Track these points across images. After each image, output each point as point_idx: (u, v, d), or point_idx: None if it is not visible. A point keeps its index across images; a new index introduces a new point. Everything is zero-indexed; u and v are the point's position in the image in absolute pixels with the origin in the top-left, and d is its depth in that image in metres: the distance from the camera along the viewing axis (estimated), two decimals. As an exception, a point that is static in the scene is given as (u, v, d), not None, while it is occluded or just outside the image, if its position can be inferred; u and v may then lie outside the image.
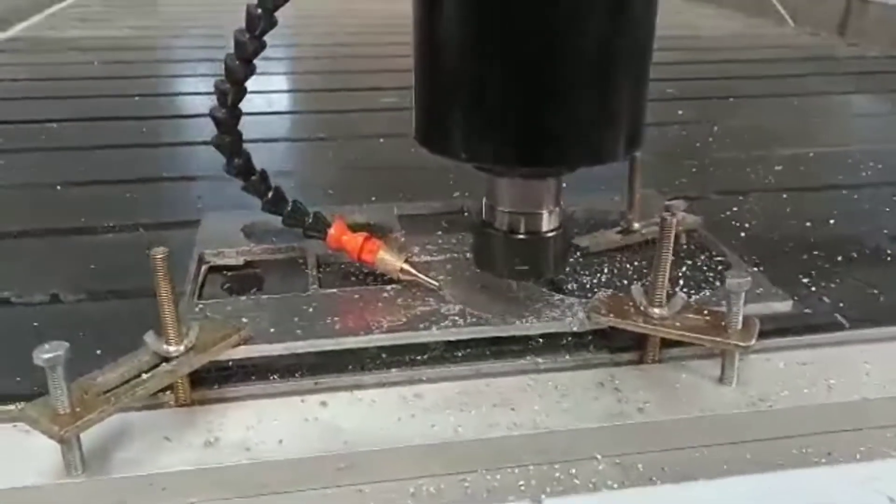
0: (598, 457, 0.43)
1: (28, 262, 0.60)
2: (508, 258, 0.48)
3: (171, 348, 0.42)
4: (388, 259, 0.52)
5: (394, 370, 0.47)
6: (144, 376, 0.41)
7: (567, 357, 0.48)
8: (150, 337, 0.42)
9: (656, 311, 0.47)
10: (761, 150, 0.89)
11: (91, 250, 0.62)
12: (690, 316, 0.47)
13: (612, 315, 0.48)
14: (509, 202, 0.47)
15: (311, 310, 0.49)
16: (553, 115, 0.41)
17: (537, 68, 0.40)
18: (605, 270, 0.56)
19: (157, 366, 0.42)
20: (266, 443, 0.41)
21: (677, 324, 0.46)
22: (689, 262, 0.58)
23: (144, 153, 0.86)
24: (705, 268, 0.57)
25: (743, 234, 0.65)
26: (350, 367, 0.46)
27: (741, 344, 0.45)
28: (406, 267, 0.51)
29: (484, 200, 0.48)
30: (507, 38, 0.40)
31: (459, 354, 0.48)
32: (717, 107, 1.09)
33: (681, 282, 0.55)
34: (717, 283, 0.55)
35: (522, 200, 0.46)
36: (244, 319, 0.47)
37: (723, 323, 0.46)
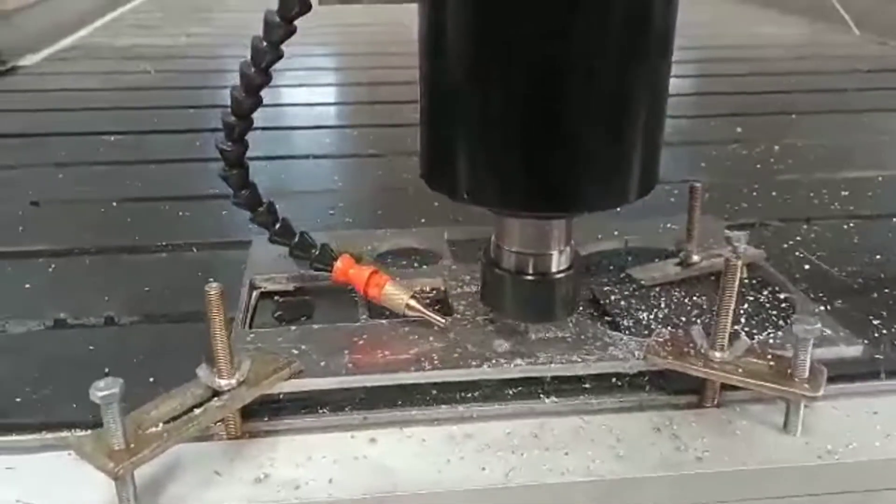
0: (655, 507, 0.42)
1: (84, 281, 0.61)
2: (516, 300, 0.47)
3: (224, 382, 0.42)
4: (394, 294, 0.50)
5: (443, 406, 0.46)
6: (196, 411, 0.41)
7: (622, 398, 0.47)
8: (202, 370, 0.42)
9: (717, 354, 0.45)
10: (825, 171, 0.86)
11: (145, 270, 0.62)
12: (753, 360, 0.45)
13: (670, 357, 0.46)
14: (517, 242, 0.45)
15: (360, 342, 0.48)
16: (560, 158, 0.40)
17: (544, 109, 0.39)
18: (663, 306, 0.55)
19: (209, 399, 0.42)
20: (316, 480, 0.41)
21: (739, 369, 0.45)
22: (751, 299, 0.56)
23: (197, 168, 0.86)
24: (768, 305, 0.55)
25: (807, 267, 0.62)
26: (399, 402, 0.46)
27: (808, 394, 0.43)
28: (412, 303, 0.50)
29: (492, 238, 0.47)
30: (511, 78, 0.39)
31: (510, 392, 0.47)
32: (778, 124, 1.06)
33: (742, 320, 0.53)
34: (781, 323, 0.53)
35: (530, 240, 0.45)
36: (295, 351, 0.47)
37: (788, 370, 0.44)
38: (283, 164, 0.89)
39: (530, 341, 0.48)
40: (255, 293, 0.56)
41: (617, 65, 0.39)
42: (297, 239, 0.54)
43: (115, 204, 0.76)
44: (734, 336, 0.45)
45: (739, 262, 0.44)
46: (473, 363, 0.46)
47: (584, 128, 0.40)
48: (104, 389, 0.37)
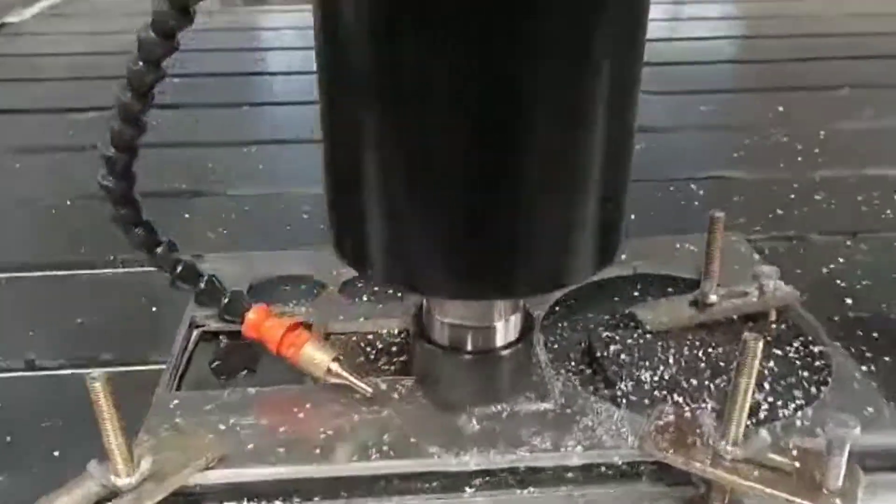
0: None
1: (9, 309, 0.54)
2: (451, 382, 0.39)
3: (121, 481, 0.35)
4: (314, 356, 0.42)
5: (395, 498, 0.38)
6: (82, 525, 0.34)
7: (613, 490, 0.39)
8: (93, 467, 0.35)
9: (729, 448, 0.37)
10: (878, 166, 0.75)
11: (82, 295, 0.55)
12: (774, 458, 0.37)
13: (671, 449, 0.38)
14: (450, 312, 0.38)
15: (302, 414, 0.41)
16: (485, 237, 0.32)
17: (461, 174, 0.31)
18: (671, 362, 0.46)
19: (108, 497, 0.35)
20: None
21: (755, 471, 0.36)
22: (778, 353, 0.46)
23: (175, 155, 0.78)
24: (798, 363, 0.46)
25: (850, 301, 0.53)
26: (344, 493, 0.38)
27: (840, 513, 0.34)
28: (334, 367, 0.41)
29: (423, 303, 0.39)
30: (424, 136, 0.31)
31: (477, 483, 0.39)
32: (826, 101, 0.93)
33: (765, 385, 0.44)
34: (812, 391, 0.43)
35: (467, 312, 0.37)
36: (222, 426, 0.40)
37: (817, 474, 0.36)
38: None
39: (504, 418, 0.40)
40: (194, 333, 0.48)
41: (565, 118, 0.31)
42: (202, 285, 0.45)
43: (69, 202, 0.68)
44: (751, 430, 0.37)
45: (759, 345, 0.35)
46: (432, 451, 0.38)
47: (516, 199, 0.32)
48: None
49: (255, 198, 0.69)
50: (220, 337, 0.49)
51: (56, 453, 0.41)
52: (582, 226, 0.33)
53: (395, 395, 0.42)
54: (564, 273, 0.34)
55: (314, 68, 0.34)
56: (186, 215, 0.65)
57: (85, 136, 0.84)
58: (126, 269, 0.58)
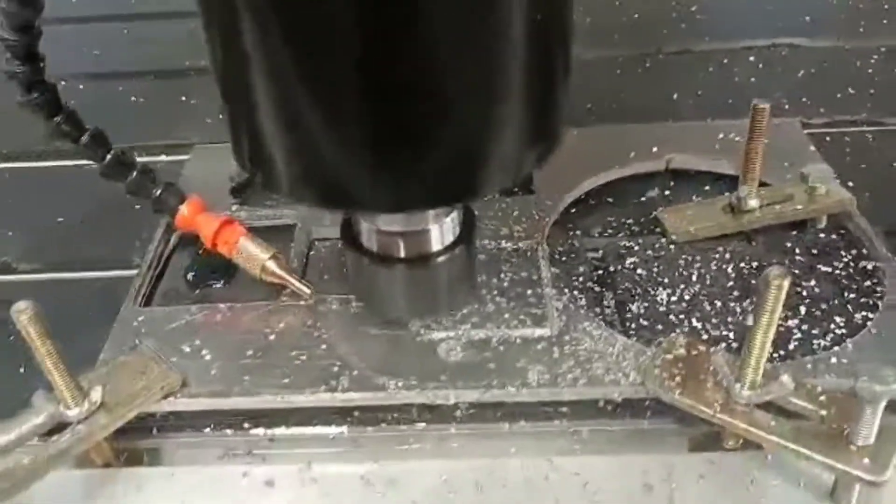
0: None
1: None
2: (387, 292, 0.36)
3: (71, 412, 0.33)
4: (250, 251, 0.39)
5: (368, 429, 0.35)
6: (26, 461, 0.32)
7: (609, 425, 0.35)
8: (39, 398, 0.33)
9: (745, 392, 0.32)
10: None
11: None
12: (797, 403, 0.32)
13: (677, 390, 0.33)
14: (380, 218, 0.33)
15: (272, 335, 0.37)
16: (395, 141, 0.27)
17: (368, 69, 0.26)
18: (695, 279, 0.40)
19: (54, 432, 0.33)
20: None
21: (773, 421, 0.31)
22: (822, 268, 0.40)
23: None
24: (844, 282, 0.40)
25: (920, 204, 0.46)
26: (314, 421, 0.35)
27: (866, 477, 0.30)
28: (270, 265, 0.39)
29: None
30: (314, 29, 0.26)
31: (458, 415, 0.35)
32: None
33: (801, 308, 0.38)
34: (857, 316, 0.37)
35: (398, 217, 0.33)
36: (185, 348, 0.37)
37: (845, 428, 0.31)
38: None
39: (494, 344, 0.36)
40: (173, 237, 0.45)
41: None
42: (134, 174, 0.40)
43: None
44: (772, 372, 0.32)
45: (786, 283, 0.29)
46: (413, 382, 0.35)
47: (422, 96, 0.27)
48: None
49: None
50: (200, 241, 0.45)
51: (21, 370, 0.39)
52: (501, 125, 0.28)
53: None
54: (486, 179, 0.29)
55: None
56: (183, 98, 0.60)
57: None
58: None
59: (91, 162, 0.40)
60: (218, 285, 0.42)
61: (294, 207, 0.45)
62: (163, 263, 0.43)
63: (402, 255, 0.34)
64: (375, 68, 0.26)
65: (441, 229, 0.34)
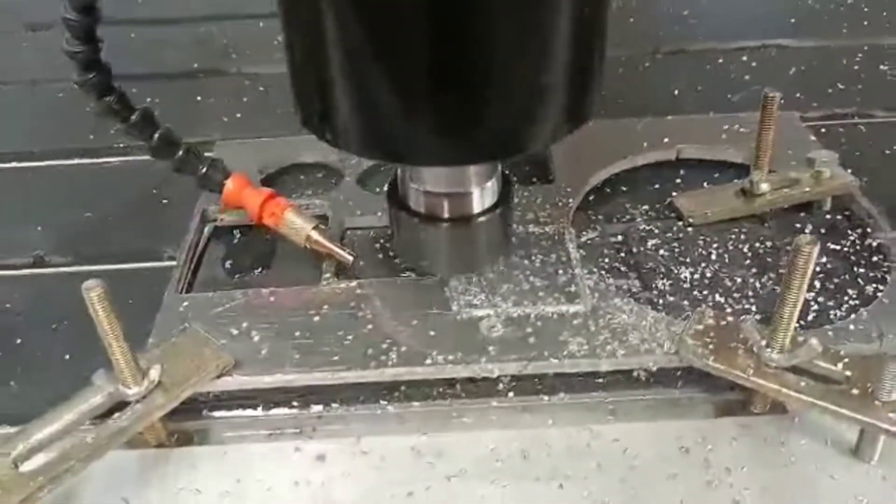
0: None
1: (20, 199, 0.52)
2: (429, 249, 0.38)
3: (130, 391, 0.34)
4: (295, 223, 0.41)
5: (415, 404, 0.37)
6: (90, 438, 0.32)
7: (644, 396, 0.37)
8: (100, 377, 0.34)
9: (775, 356, 0.34)
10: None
11: (90, 184, 0.53)
12: (823, 365, 0.34)
13: (712, 356, 0.35)
14: (427, 180, 0.36)
15: (317, 317, 0.38)
16: (451, 101, 0.30)
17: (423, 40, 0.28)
18: (714, 257, 0.42)
19: (113, 411, 0.34)
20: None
21: (802, 382, 0.34)
22: (831, 246, 0.43)
23: (175, 33, 0.73)
24: (853, 257, 0.42)
25: (916, 188, 0.48)
26: (361, 398, 0.37)
27: (891, 428, 0.32)
28: (314, 235, 0.41)
29: (398, 172, 0.37)
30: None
31: (500, 387, 0.37)
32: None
33: (816, 283, 0.40)
34: (869, 289, 0.40)
35: (443, 179, 0.35)
36: (233, 331, 0.38)
37: (869, 386, 0.33)
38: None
39: (531, 320, 0.38)
40: (206, 228, 0.46)
41: None
42: (180, 153, 0.42)
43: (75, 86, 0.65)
44: (800, 335, 0.34)
45: (814, 248, 0.31)
46: (453, 357, 0.36)
47: (481, 61, 0.29)
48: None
49: (271, 77, 0.65)
50: (234, 231, 0.46)
51: (67, 357, 0.39)
52: (547, 89, 0.30)
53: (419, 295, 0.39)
54: (531, 136, 0.32)
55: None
56: (199, 97, 0.61)
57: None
58: (134, 157, 0.55)
59: (129, 152, 0.41)
60: (255, 273, 0.43)
61: (326, 198, 0.46)
62: (199, 254, 0.44)
63: (446, 215, 0.36)
64: (437, 37, 0.28)
65: (482, 192, 0.36)
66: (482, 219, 0.36)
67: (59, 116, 0.61)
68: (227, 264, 0.44)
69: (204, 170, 0.43)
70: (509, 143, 0.31)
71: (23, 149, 0.56)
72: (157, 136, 0.41)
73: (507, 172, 0.38)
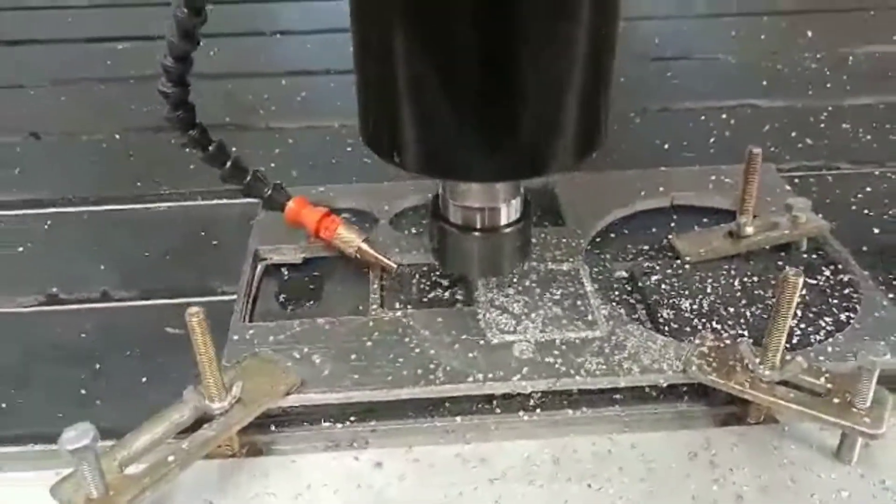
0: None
1: (80, 243, 0.57)
2: (464, 255, 0.45)
3: (215, 405, 0.39)
4: (346, 236, 0.49)
5: (458, 418, 0.42)
6: (185, 445, 0.37)
7: (656, 409, 0.43)
8: (190, 394, 0.39)
9: (767, 372, 0.40)
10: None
11: (144, 229, 0.58)
12: (808, 380, 0.40)
13: (714, 373, 0.41)
14: (463, 197, 0.43)
15: (369, 343, 0.44)
16: (494, 124, 0.37)
17: (476, 73, 0.36)
18: (709, 291, 0.49)
19: (197, 424, 0.39)
20: (315, 516, 0.38)
21: (791, 393, 0.40)
22: (809, 280, 0.49)
23: (206, 87, 0.79)
24: (828, 290, 0.49)
25: (878, 231, 0.55)
26: (410, 413, 0.42)
27: (868, 430, 0.38)
28: (364, 246, 0.49)
29: (439, 189, 0.44)
30: (441, 46, 0.36)
31: (531, 403, 0.42)
32: (852, 24, 0.93)
33: (798, 312, 0.47)
34: (843, 317, 0.46)
35: (477, 195, 0.43)
36: (296, 355, 0.43)
37: (847, 395, 0.39)
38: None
39: (557, 344, 0.44)
40: (259, 266, 0.51)
41: (558, 28, 0.35)
42: (248, 178, 0.50)
43: (117, 136, 0.70)
44: (787, 357, 0.40)
45: (800, 280, 0.38)
46: (491, 375, 0.42)
47: (515, 94, 0.36)
48: (76, 441, 0.33)
49: (298, 131, 0.71)
50: (283, 269, 0.52)
51: (144, 379, 0.44)
52: (572, 122, 0.38)
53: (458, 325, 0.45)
54: (559, 158, 0.39)
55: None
56: (234, 149, 0.67)
57: (122, 67, 0.85)
58: (178, 203, 0.60)
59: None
60: (306, 305, 0.48)
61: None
62: (255, 288, 0.50)
63: (478, 226, 0.43)
64: (489, 77, 0.35)
65: (508, 208, 0.43)
66: (508, 230, 0.43)
67: (104, 165, 0.66)
68: (281, 297, 0.49)
69: (269, 192, 0.50)
70: (541, 163, 0.39)
71: (70, 194, 0.61)
72: (228, 164, 0.49)
73: (527, 194, 0.45)
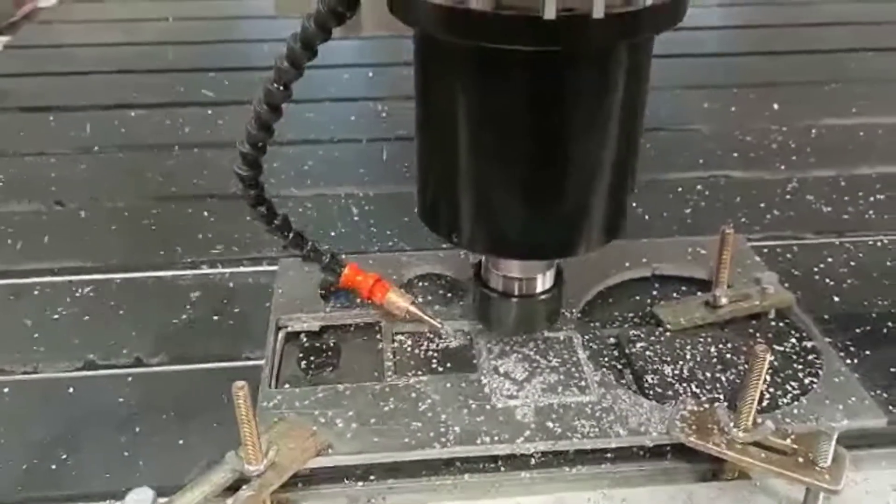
0: None
1: (112, 311, 0.61)
2: (503, 319, 0.52)
3: (252, 468, 0.43)
4: (395, 300, 0.55)
5: (466, 476, 0.47)
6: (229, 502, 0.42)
7: (642, 467, 0.48)
8: (231, 458, 0.43)
9: (741, 434, 0.45)
10: (865, 166, 0.83)
11: (171, 296, 0.63)
12: (776, 441, 0.46)
13: (694, 435, 0.46)
14: (505, 267, 0.50)
15: (387, 408, 0.49)
16: (538, 217, 0.45)
17: (531, 175, 0.44)
18: (688, 357, 0.54)
19: (235, 486, 0.43)
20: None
21: (762, 453, 0.45)
22: (777, 347, 0.55)
23: (214, 156, 0.85)
24: (794, 357, 0.54)
25: (838, 300, 0.61)
26: (424, 472, 0.47)
27: (828, 487, 0.43)
28: (412, 309, 0.55)
29: (482, 262, 0.52)
30: (500, 150, 0.43)
31: (532, 462, 0.47)
32: (816, 97, 1.01)
33: (766, 376, 0.52)
34: (807, 382, 0.52)
35: (517, 268, 0.50)
36: (321, 419, 0.48)
37: (810, 454, 0.44)
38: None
39: (554, 408, 0.49)
40: (280, 334, 0.56)
41: (602, 133, 0.43)
42: (308, 247, 0.56)
43: (140, 204, 0.75)
44: (758, 420, 0.46)
45: (768, 355, 0.43)
46: (496, 436, 0.47)
47: (561, 191, 0.44)
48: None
49: (306, 198, 0.76)
50: (302, 336, 0.57)
51: (181, 441, 0.49)
52: (605, 210, 0.46)
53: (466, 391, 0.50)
54: (594, 240, 0.47)
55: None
56: (248, 218, 0.72)
57: (138, 134, 0.90)
58: (200, 271, 0.65)
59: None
60: (327, 371, 0.53)
61: (376, 308, 0.57)
62: (279, 356, 0.54)
63: (517, 293, 0.50)
64: (540, 178, 0.44)
65: (544, 278, 0.50)
66: (543, 297, 0.51)
67: (125, 234, 0.71)
68: (303, 364, 0.54)
69: (326, 260, 0.56)
70: (574, 246, 0.47)
71: (92, 263, 0.66)
72: (291, 235, 0.55)
73: (560, 266, 0.52)
